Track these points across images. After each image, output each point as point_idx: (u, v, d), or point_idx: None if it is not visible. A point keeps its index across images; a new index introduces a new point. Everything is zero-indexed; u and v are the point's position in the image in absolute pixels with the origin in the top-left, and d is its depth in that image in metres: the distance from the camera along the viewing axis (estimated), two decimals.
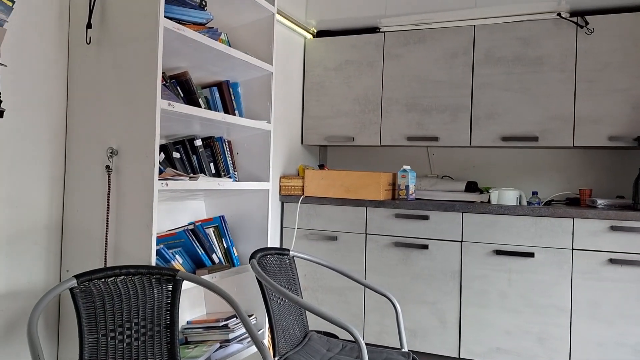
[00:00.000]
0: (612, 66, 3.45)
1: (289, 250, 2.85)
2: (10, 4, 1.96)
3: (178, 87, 2.73)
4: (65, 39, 2.39)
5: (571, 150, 3.89)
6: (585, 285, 3.20)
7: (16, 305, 2.20)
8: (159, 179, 2.27)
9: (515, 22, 3.68)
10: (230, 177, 2.96)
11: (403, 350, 2.55)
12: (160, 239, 2.69)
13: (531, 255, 3.30)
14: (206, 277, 2.54)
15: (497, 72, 3.71)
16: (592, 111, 3.48)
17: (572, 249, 3.22)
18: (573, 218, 3.22)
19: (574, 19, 3.52)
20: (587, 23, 3.49)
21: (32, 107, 2.25)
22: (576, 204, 3.68)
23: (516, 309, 3.34)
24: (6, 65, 2.13)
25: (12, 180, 2.17)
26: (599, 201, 3.35)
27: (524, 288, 3.32)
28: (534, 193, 3.61)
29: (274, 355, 2.43)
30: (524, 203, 3.62)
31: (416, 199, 3.82)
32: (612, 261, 3.13)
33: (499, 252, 3.36)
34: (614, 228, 3.13)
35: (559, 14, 3.56)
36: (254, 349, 2.82)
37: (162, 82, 2.56)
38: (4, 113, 2.13)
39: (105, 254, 2.27)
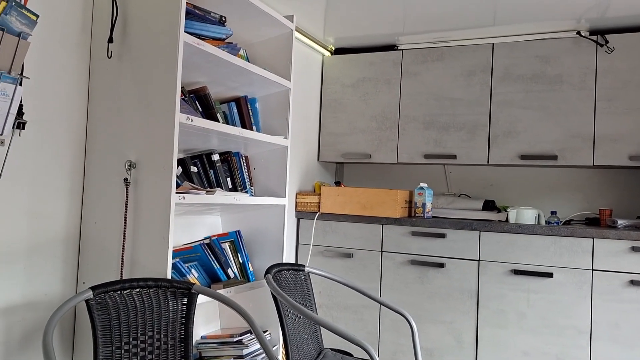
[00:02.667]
0: (632, 84, 3.41)
1: (304, 266, 2.84)
2: (34, 18, 1.99)
3: (197, 102, 2.74)
4: (87, 53, 2.42)
5: (591, 170, 3.85)
6: (606, 306, 3.14)
7: (33, 316, 2.21)
8: (176, 192, 2.28)
9: (534, 41, 3.66)
10: (246, 192, 2.96)
11: None
12: (176, 253, 2.69)
13: (550, 275, 3.25)
14: (221, 292, 2.53)
15: (515, 90, 3.69)
16: (612, 130, 3.45)
17: (592, 270, 3.17)
18: (593, 238, 3.18)
19: (594, 37, 3.50)
20: (607, 42, 3.47)
21: (53, 120, 2.27)
22: (596, 224, 3.63)
23: (534, 330, 3.28)
24: (29, 78, 2.15)
25: (32, 192, 2.19)
26: (620, 221, 3.30)
27: (543, 308, 3.27)
28: (553, 212, 3.57)
29: None
30: (543, 222, 3.58)
31: (433, 217, 3.79)
32: (633, 282, 3.08)
33: (517, 272, 3.32)
34: (635, 249, 3.08)
35: (578, 33, 3.55)
36: None
37: (181, 96, 2.58)
38: (26, 125, 2.15)
39: (122, 266, 2.27)
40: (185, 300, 2.21)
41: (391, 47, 4.14)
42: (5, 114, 1.98)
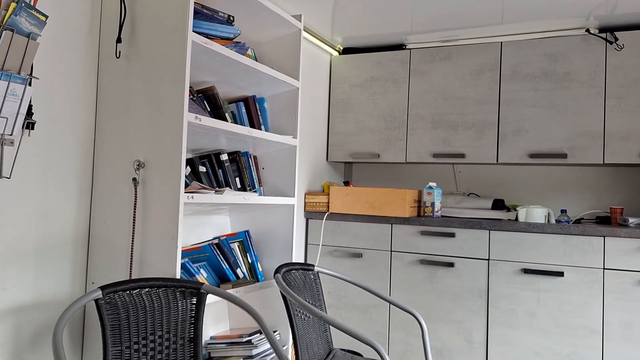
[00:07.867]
0: None
1: (313, 265, 2.84)
2: (43, 18, 2.00)
3: (205, 102, 2.74)
4: (96, 53, 2.42)
5: (601, 168, 3.82)
6: (618, 305, 3.12)
7: (42, 316, 2.21)
8: (185, 192, 2.28)
9: (542, 39, 3.64)
10: (255, 191, 2.96)
11: None
12: (185, 253, 2.69)
13: (560, 274, 3.23)
14: (230, 292, 2.53)
15: (524, 88, 3.67)
16: (622, 127, 3.42)
17: (603, 269, 3.15)
18: (604, 237, 3.16)
19: (603, 35, 3.48)
20: (616, 39, 3.45)
21: (62, 120, 2.28)
22: (607, 222, 3.60)
23: (545, 330, 3.26)
24: (38, 79, 2.16)
25: (41, 192, 2.20)
26: (631, 220, 3.28)
27: (554, 308, 3.25)
28: (563, 211, 3.55)
29: None
30: (553, 221, 3.55)
31: (442, 216, 3.78)
32: None
33: (527, 271, 3.30)
34: None
35: (587, 30, 3.52)
36: None
37: (190, 96, 2.58)
38: (35, 125, 2.15)
39: (131, 266, 2.27)
40: (194, 300, 2.21)
41: (399, 47, 4.13)
42: (15, 114, 1.98)
